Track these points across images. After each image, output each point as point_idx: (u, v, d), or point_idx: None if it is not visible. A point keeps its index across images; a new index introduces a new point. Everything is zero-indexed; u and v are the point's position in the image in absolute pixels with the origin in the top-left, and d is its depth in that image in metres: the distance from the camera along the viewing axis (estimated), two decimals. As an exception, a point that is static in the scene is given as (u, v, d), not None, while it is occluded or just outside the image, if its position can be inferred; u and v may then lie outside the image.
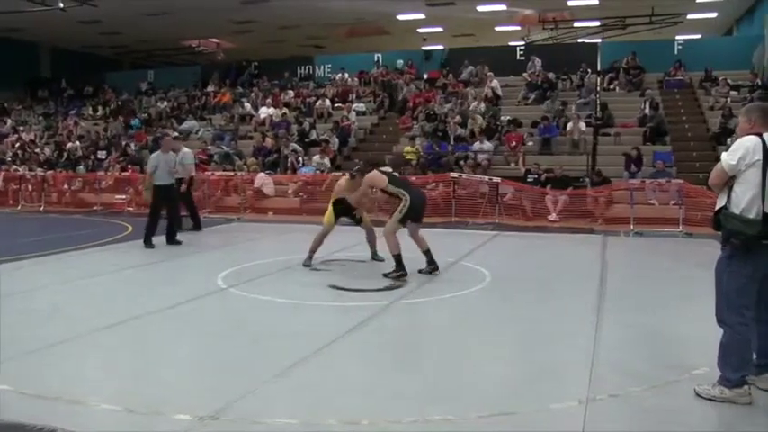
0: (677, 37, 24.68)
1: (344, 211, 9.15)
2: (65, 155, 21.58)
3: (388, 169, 8.83)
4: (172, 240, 11.30)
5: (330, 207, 9.18)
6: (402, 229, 8.27)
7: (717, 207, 4.28)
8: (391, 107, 22.14)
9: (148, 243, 10.91)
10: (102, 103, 27.18)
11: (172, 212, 11.49)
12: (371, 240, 9.41)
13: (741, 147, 4.15)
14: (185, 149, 13.45)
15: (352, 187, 8.96)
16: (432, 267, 8.36)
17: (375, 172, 8.52)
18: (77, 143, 22.25)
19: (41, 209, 18.29)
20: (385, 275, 8.13)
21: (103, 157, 21.04)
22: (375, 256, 9.40)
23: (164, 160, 11.23)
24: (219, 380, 4.68)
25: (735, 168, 4.14)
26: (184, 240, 11.54)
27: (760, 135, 4.15)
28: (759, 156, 4.08)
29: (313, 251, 9.08)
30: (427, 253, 8.39)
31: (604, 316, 6.35)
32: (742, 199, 4.12)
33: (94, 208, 17.73)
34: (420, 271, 8.32)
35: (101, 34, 28.07)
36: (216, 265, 9.14)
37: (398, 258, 8.12)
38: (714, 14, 25.76)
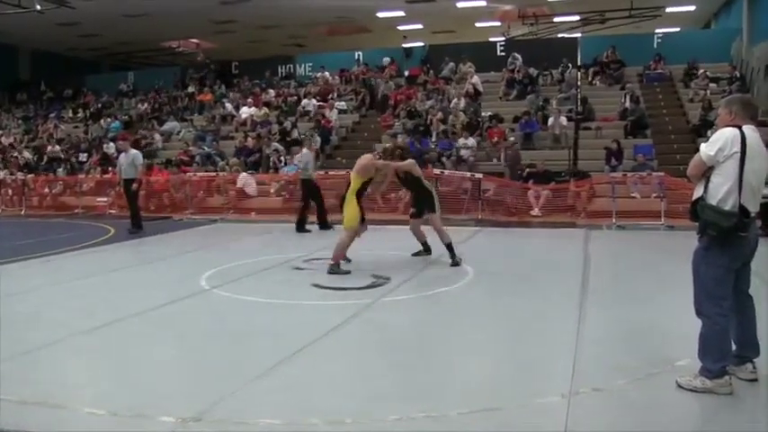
0: (656, 30, 24.84)
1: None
2: (45, 158, 21.38)
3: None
4: (302, 229, 12.92)
5: (354, 200, 8.48)
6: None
7: (694, 197, 4.30)
8: (372, 105, 22.10)
9: (302, 229, 12.80)
10: (82, 105, 26.95)
11: (321, 202, 13.26)
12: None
13: (720, 138, 4.18)
14: (135, 150, 13.84)
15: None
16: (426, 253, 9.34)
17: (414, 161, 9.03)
18: (57, 146, 22.06)
19: (22, 212, 18.13)
20: (452, 265, 8.63)
21: (84, 160, 20.87)
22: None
23: (313, 158, 13.40)
24: (203, 381, 4.66)
25: (713, 159, 4.16)
26: (159, 240, 11.71)
27: (739, 127, 4.18)
28: (737, 148, 4.10)
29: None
30: (425, 244, 9.34)
31: (587, 310, 6.38)
32: (719, 190, 4.14)
33: (76, 211, 17.59)
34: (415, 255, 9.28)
35: (80, 36, 27.80)
36: (199, 266, 9.08)
37: (451, 246, 8.78)
38: (692, 8, 25.94)
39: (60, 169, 19.95)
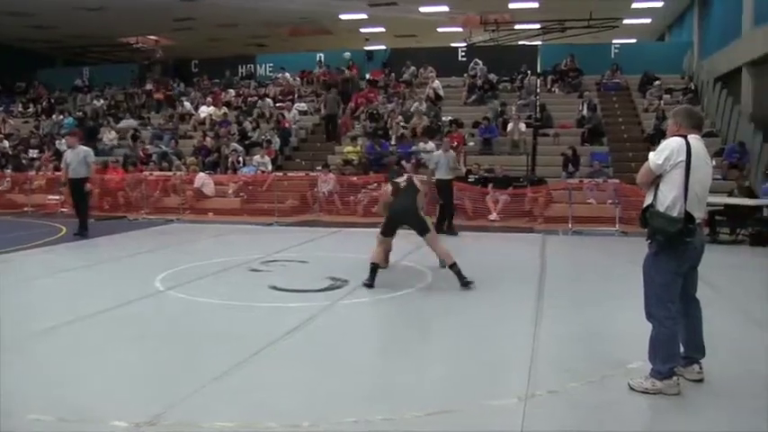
0: (614, 41, 25.44)
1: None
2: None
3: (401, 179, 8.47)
4: (451, 231, 12.59)
5: None
6: (388, 239, 8.11)
7: (644, 205, 4.45)
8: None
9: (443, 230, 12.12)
10: (33, 99, 26.28)
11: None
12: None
13: (667, 147, 4.33)
14: (85, 147, 12.76)
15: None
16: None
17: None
18: (6, 142, 21.46)
19: (-32, 210, 17.58)
20: (364, 283, 7.70)
21: (35, 156, 20.35)
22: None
23: (445, 159, 12.92)
24: (157, 385, 4.59)
25: (661, 168, 4.31)
26: (113, 240, 11.50)
27: (685, 137, 4.34)
28: (683, 157, 4.26)
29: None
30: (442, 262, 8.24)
31: (543, 314, 6.48)
32: (667, 197, 4.29)
33: (25, 209, 17.11)
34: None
35: (32, 27, 26.98)
36: (154, 266, 8.95)
37: (372, 267, 7.76)
38: (648, 20, 26.58)
39: (8, 169, 19.36)
